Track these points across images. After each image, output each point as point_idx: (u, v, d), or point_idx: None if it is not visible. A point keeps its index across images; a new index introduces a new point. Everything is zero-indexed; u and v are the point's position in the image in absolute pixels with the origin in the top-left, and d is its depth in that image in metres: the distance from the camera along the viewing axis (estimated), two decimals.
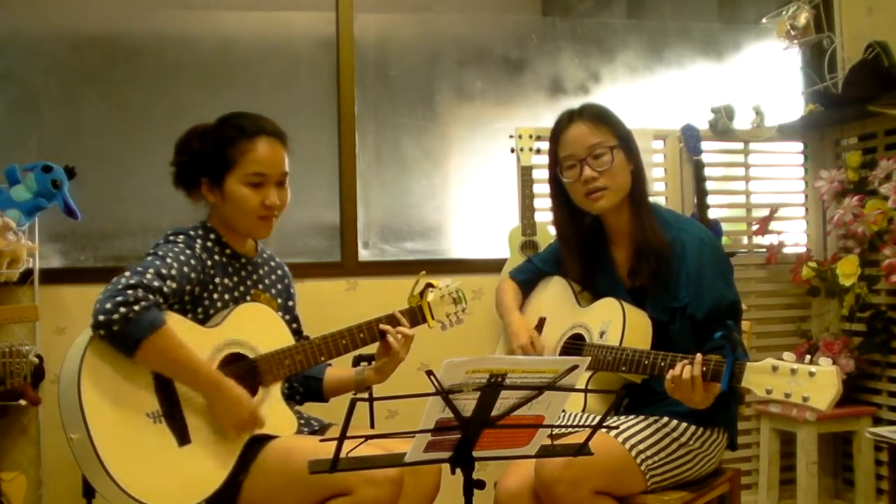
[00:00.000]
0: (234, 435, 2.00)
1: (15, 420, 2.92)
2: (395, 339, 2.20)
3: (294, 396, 2.35)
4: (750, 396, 1.95)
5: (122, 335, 1.85)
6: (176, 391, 1.96)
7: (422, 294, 2.31)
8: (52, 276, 2.99)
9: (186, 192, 2.20)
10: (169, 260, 1.98)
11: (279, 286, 2.31)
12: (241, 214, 2.13)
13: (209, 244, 2.13)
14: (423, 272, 2.34)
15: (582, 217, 2.33)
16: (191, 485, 1.92)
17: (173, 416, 1.94)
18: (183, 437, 1.94)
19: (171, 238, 2.09)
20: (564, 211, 2.35)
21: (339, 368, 2.36)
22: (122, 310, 1.84)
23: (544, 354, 2.32)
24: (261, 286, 2.24)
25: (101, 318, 1.84)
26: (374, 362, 2.29)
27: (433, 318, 2.31)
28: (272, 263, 2.33)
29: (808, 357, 1.85)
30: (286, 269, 2.37)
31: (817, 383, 1.79)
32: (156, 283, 1.90)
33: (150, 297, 1.88)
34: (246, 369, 2.07)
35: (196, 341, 1.97)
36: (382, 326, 2.21)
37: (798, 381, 1.82)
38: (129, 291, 1.85)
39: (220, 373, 1.99)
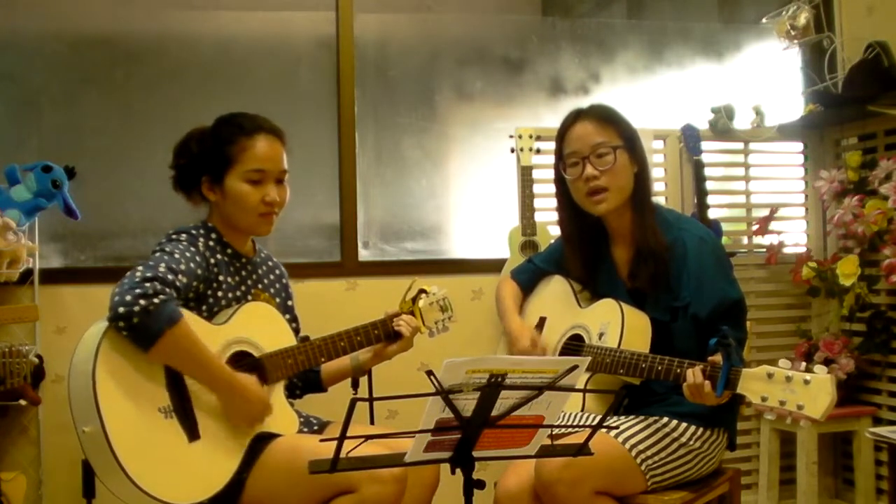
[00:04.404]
0: (245, 428, 2.02)
1: (15, 420, 2.92)
2: (407, 324, 2.26)
3: (294, 391, 2.37)
4: None
5: (142, 328, 1.85)
6: (186, 386, 1.97)
7: (414, 300, 2.34)
8: (52, 276, 2.99)
9: (186, 196, 2.22)
10: (177, 255, 1.99)
11: (277, 285, 2.33)
12: (241, 211, 2.14)
13: (211, 243, 2.15)
14: (415, 279, 2.37)
15: (586, 216, 2.33)
16: (201, 480, 1.92)
17: (184, 411, 1.95)
18: (193, 433, 1.95)
19: (174, 237, 2.10)
20: (569, 210, 2.35)
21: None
22: (143, 302, 1.84)
23: (547, 353, 2.32)
24: (260, 286, 2.26)
25: (121, 310, 1.83)
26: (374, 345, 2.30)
27: (423, 324, 2.34)
28: (269, 263, 2.35)
29: (803, 364, 1.84)
30: (283, 268, 2.40)
31: (812, 392, 1.79)
32: (170, 277, 1.91)
33: (167, 290, 1.89)
34: (252, 367, 2.08)
35: (205, 338, 1.98)
36: (396, 319, 2.26)
37: (793, 389, 1.81)
38: (147, 284, 1.86)
39: (231, 369, 2.01)
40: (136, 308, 1.83)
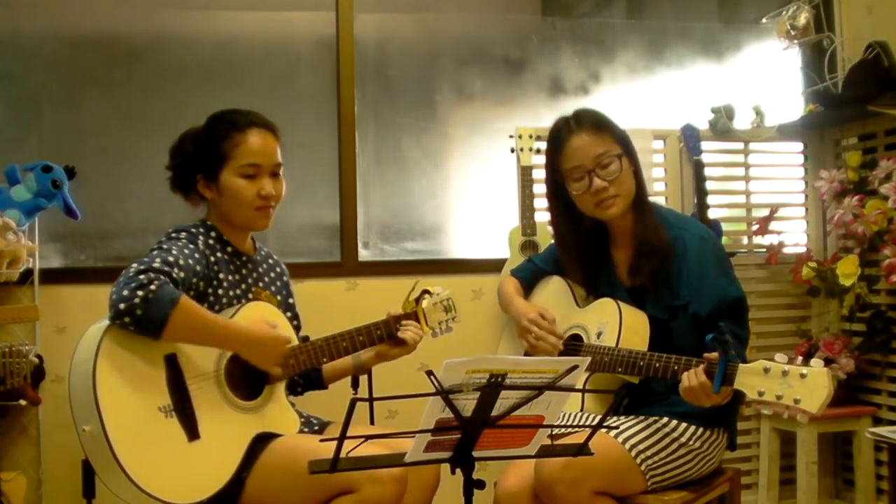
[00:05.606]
0: (278, 372, 2.07)
1: (15, 420, 2.92)
2: (414, 332, 2.27)
3: (295, 389, 2.37)
4: None
5: (147, 317, 1.86)
6: (187, 386, 1.97)
7: (417, 300, 2.34)
8: (52, 276, 2.99)
9: (184, 196, 2.23)
10: (174, 251, 2.00)
11: (278, 283, 2.33)
12: (238, 207, 2.15)
13: (211, 241, 2.15)
14: (419, 279, 2.37)
15: (580, 220, 2.33)
16: (201, 480, 1.92)
17: (184, 410, 1.95)
18: (193, 433, 1.95)
19: (174, 235, 2.11)
20: (563, 216, 2.35)
21: None
22: (141, 293, 1.85)
23: (556, 325, 2.32)
24: (261, 284, 2.26)
25: (122, 306, 1.84)
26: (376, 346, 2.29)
27: (427, 324, 2.34)
28: (270, 261, 2.35)
29: (799, 359, 1.84)
30: (283, 266, 2.40)
31: (808, 385, 1.79)
32: (165, 268, 1.92)
33: (161, 277, 1.89)
34: (254, 367, 2.07)
35: None
36: (405, 324, 2.27)
37: (790, 383, 1.81)
38: (142, 276, 1.87)
39: (242, 325, 2.03)
40: (137, 300, 1.84)
